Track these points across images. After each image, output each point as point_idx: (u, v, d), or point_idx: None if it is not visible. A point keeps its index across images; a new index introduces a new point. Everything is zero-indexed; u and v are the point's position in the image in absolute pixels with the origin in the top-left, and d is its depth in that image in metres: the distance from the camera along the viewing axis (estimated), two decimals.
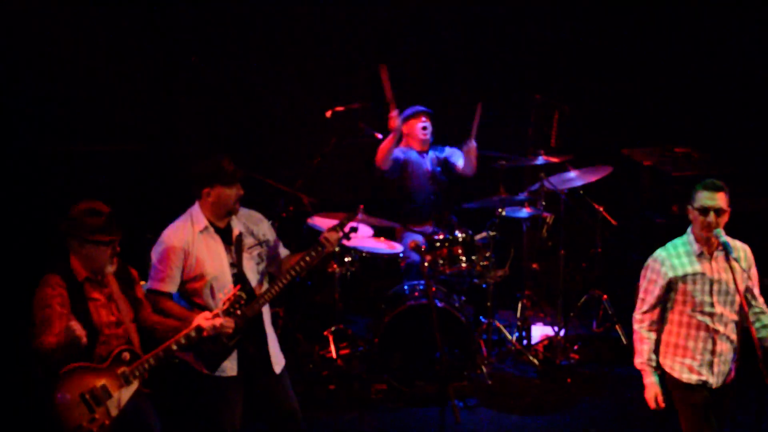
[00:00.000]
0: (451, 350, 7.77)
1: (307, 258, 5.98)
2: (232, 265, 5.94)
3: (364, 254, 8.30)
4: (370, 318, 8.47)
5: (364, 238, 8.33)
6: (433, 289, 7.86)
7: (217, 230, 5.94)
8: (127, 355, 5.62)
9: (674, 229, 8.63)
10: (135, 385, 5.63)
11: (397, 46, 9.94)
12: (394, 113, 8.48)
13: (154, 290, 5.89)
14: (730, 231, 6.29)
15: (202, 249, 5.88)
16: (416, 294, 7.90)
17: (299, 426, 6.09)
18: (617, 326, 8.71)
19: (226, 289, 5.80)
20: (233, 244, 5.98)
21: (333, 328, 8.35)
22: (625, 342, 8.60)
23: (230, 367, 5.90)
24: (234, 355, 5.91)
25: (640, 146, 9.49)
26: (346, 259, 8.23)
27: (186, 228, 5.90)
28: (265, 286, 6.05)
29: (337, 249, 7.74)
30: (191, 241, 5.87)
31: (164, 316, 5.85)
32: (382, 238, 8.49)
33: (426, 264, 7.75)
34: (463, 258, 8.12)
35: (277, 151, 9.63)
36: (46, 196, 8.41)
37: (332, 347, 8.22)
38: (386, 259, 8.48)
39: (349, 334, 8.42)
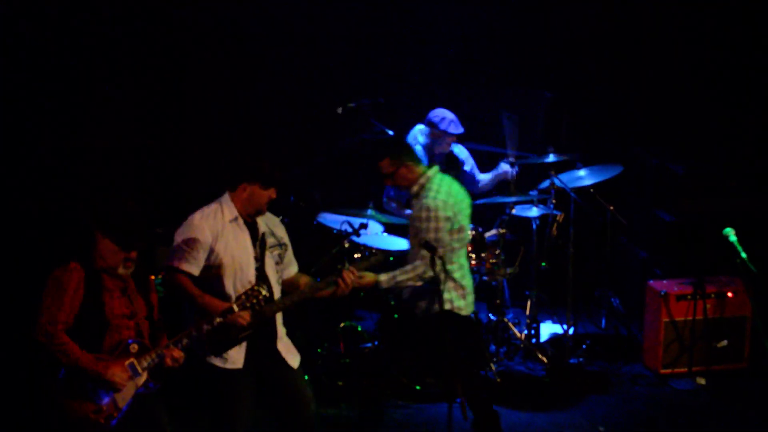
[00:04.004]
0: (459, 347, 7.76)
1: (320, 286, 6.10)
2: (255, 259, 5.97)
3: (374, 251, 8.30)
4: (379, 314, 8.46)
5: (374, 234, 8.33)
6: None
7: (246, 223, 5.98)
8: (135, 347, 5.63)
9: (683, 228, 8.68)
10: (144, 378, 5.64)
11: (409, 44, 9.94)
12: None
13: (174, 267, 5.85)
14: (742, 232, 6.32)
15: (230, 238, 5.89)
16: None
17: (312, 422, 6.11)
18: (626, 325, 8.70)
19: (247, 281, 5.85)
20: (258, 240, 6.01)
21: (342, 325, 8.35)
22: (633, 340, 8.60)
23: (237, 359, 5.90)
24: (242, 348, 5.92)
25: (649, 144, 9.48)
26: (356, 256, 8.23)
27: (216, 215, 5.91)
28: (279, 288, 6.08)
29: (347, 244, 7.78)
30: (221, 228, 5.88)
31: (177, 291, 5.85)
32: (392, 235, 8.48)
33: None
34: (473, 255, 8.12)
35: (287, 146, 9.63)
36: (49, 194, 8.43)
37: (341, 343, 8.22)
38: (396, 256, 8.47)
39: (358, 330, 8.42)
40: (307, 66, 9.72)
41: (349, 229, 7.52)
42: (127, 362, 5.58)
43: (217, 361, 5.90)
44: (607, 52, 9.97)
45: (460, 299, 6.74)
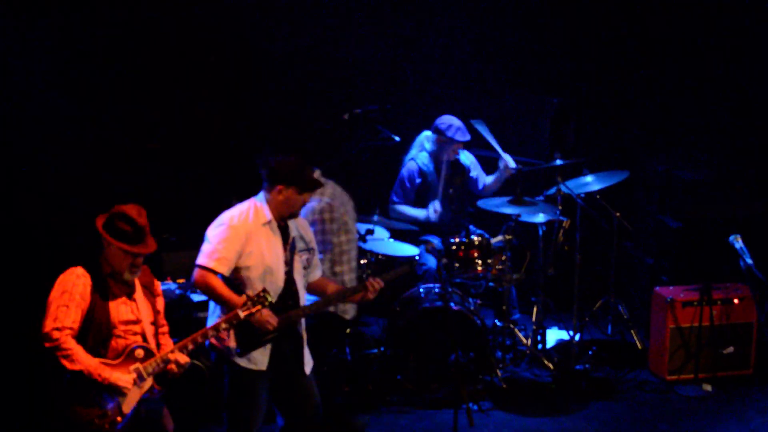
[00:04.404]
0: (465, 353, 7.78)
1: (346, 293, 6.24)
2: (285, 263, 6.00)
3: (380, 257, 8.31)
4: (385, 320, 8.47)
5: (380, 240, 8.34)
6: (449, 292, 7.87)
7: (279, 227, 6.00)
8: (141, 352, 5.64)
9: (689, 234, 8.67)
10: (149, 383, 5.65)
11: (415, 48, 9.95)
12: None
13: (205, 266, 5.86)
14: (747, 239, 6.32)
15: (262, 240, 5.92)
16: (432, 297, 7.91)
17: (317, 427, 6.14)
18: (632, 331, 8.70)
19: (276, 285, 5.89)
20: (288, 244, 6.04)
21: (348, 330, 8.35)
22: (640, 346, 8.59)
23: (261, 360, 5.94)
24: (267, 350, 5.95)
25: (656, 151, 9.47)
26: (362, 262, 8.24)
27: (250, 216, 5.92)
28: (304, 293, 6.13)
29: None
30: (253, 230, 5.90)
31: (206, 290, 5.87)
32: (398, 241, 8.49)
33: (441, 267, 7.80)
34: (479, 261, 8.13)
35: (294, 152, 9.62)
36: (55, 195, 8.45)
37: (347, 349, 8.23)
38: (402, 262, 8.48)
39: (364, 336, 8.43)
40: (314, 72, 9.73)
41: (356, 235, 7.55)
42: (132, 367, 5.60)
43: (241, 361, 5.94)
44: (614, 57, 9.97)
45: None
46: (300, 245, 6.14)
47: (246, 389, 5.97)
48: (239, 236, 5.86)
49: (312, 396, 6.15)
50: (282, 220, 6.02)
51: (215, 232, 5.91)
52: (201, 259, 5.89)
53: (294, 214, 6.04)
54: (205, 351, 6.16)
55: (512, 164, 8.54)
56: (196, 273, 5.90)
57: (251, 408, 5.98)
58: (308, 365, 6.14)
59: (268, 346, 5.95)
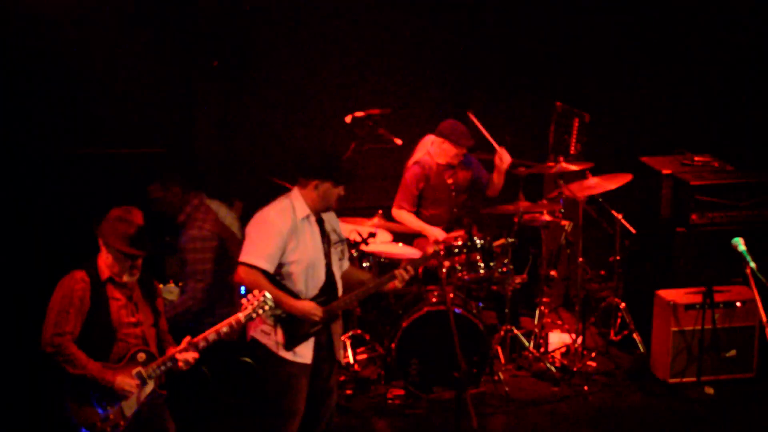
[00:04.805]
0: (467, 356, 7.77)
1: (382, 281, 6.24)
2: (325, 255, 6.04)
3: (382, 260, 8.31)
4: (387, 323, 8.46)
5: (382, 243, 8.34)
6: (451, 295, 7.87)
7: (316, 220, 6.04)
8: (143, 356, 5.65)
9: (692, 237, 8.66)
10: (151, 386, 5.66)
11: (417, 51, 9.95)
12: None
13: (249, 263, 5.87)
14: (751, 242, 6.30)
15: (303, 236, 5.95)
16: (434, 300, 7.91)
17: (332, 411, 6.29)
18: (635, 334, 8.69)
19: (319, 279, 5.95)
20: (326, 237, 6.08)
21: (350, 333, 8.36)
22: (642, 350, 8.58)
23: (306, 354, 6.00)
24: (310, 343, 6.00)
25: (659, 154, 9.47)
26: (365, 264, 8.24)
27: (289, 212, 5.94)
28: (341, 284, 6.17)
29: (355, 253, 7.81)
30: (294, 225, 5.92)
31: (251, 288, 5.84)
32: (400, 244, 8.49)
33: (444, 270, 7.79)
34: (482, 264, 8.13)
35: (295, 155, 9.64)
36: (62, 200, 8.46)
37: (349, 352, 8.23)
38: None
39: (366, 338, 8.43)
40: (317, 75, 9.74)
41: (358, 238, 7.55)
42: (134, 371, 5.61)
43: (288, 355, 5.97)
44: (618, 61, 9.97)
45: None
46: (334, 237, 6.17)
47: (293, 382, 5.99)
48: (281, 232, 5.88)
49: (333, 389, 6.27)
50: (317, 214, 6.05)
51: (257, 228, 5.93)
52: (245, 257, 5.90)
53: (330, 208, 6.07)
54: (209, 355, 6.15)
55: (507, 157, 8.52)
56: (240, 270, 5.90)
57: (298, 401, 6.02)
58: (340, 354, 6.26)
59: (311, 339, 6.00)
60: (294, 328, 5.95)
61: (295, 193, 6.02)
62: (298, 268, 5.95)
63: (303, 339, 5.98)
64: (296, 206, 5.97)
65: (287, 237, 5.89)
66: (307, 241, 5.97)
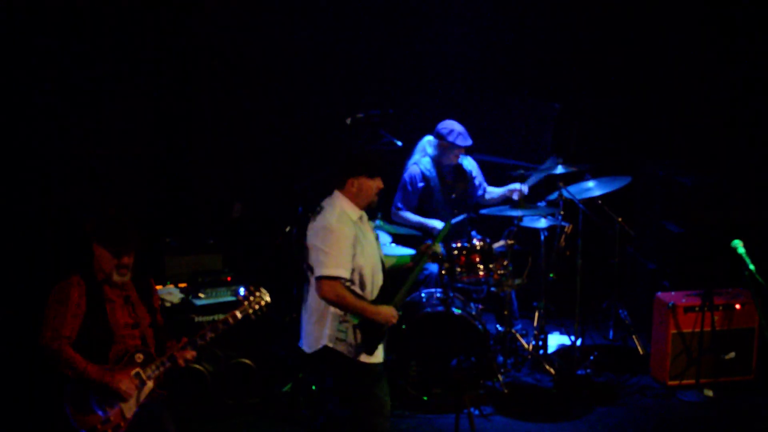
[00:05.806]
0: (467, 358, 7.77)
1: (419, 263, 6.24)
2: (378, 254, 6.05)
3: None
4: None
5: (382, 245, 8.34)
6: (451, 296, 7.88)
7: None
8: (141, 357, 5.66)
9: (691, 240, 8.68)
10: (150, 386, 5.66)
11: (418, 53, 9.95)
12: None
13: (330, 276, 5.72)
14: (746, 241, 6.33)
15: (363, 238, 5.91)
16: (433, 302, 7.92)
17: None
18: (634, 336, 8.70)
19: (379, 279, 5.92)
20: (376, 237, 6.10)
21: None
22: (641, 352, 8.59)
23: (379, 353, 5.99)
24: (383, 343, 6.01)
25: (659, 156, 9.48)
26: None
27: (346, 216, 5.87)
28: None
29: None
30: (355, 228, 5.88)
31: (337, 302, 5.75)
32: (400, 245, 8.50)
33: (443, 272, 7.80)
34: (481, 266, 8.13)
35: (297, 157, 9.65)
36: (62, 200, 8.47)
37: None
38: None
39: None
40: (316, 76, 9.74)
41: None
42: (133, 372, 5.61)
43: (366, 358, 5.93)
44: (616, 63, 9.98)
45: None
46: (375, 234, 6.20)
47: (377, 383, 5.96)
48: (348, 237, 5.79)
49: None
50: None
51: (324, 239, 5.78)
52: (323, 270, 5.74)
53: (373, 202, 6.01)
54: (209, 354, 6.17)
55: (526, 191, 8.55)
56: (323, 285, 5.74)
57: (385, 400, 6.00)
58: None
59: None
60: (373, 331, 5.86)
61: (338, 196, 5.95)
62: (367, 271, 5.88)
63: (381, 341, 5.94)
64: (347, 209, 5.90)
65: (353, 241, 5.81)
66: (367, 243, 5.92)
